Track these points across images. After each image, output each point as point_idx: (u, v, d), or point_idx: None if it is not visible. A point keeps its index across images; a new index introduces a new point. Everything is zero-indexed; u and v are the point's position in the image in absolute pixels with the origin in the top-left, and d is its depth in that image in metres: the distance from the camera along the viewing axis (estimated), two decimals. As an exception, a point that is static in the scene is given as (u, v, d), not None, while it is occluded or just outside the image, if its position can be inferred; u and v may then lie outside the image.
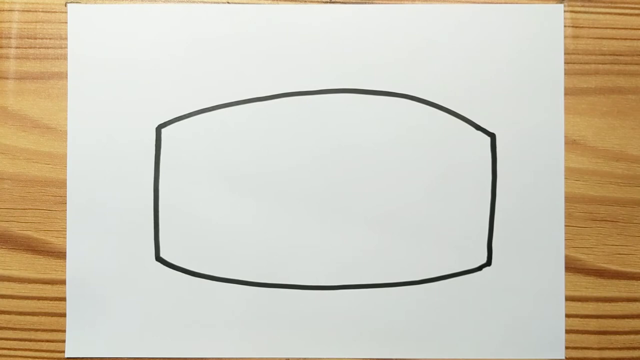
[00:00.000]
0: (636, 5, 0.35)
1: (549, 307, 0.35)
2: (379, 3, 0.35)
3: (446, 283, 0.35)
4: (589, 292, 0.35)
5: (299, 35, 0.35)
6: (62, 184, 0.35)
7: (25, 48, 0.35)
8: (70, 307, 0.35)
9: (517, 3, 0.35)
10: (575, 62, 0.35)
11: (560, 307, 0.35)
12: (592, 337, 0.35)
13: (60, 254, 0.35)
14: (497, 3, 0.35)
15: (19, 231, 0.35)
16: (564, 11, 0.35)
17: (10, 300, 0.36)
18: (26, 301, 0.36)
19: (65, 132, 0.35)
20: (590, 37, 0.35)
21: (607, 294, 0.35)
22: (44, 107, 0.35)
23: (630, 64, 0.35)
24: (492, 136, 0.35)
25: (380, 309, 0.35)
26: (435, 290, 0.35)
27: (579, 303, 0.35)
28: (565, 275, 0.35)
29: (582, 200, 0.35)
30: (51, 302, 0.35)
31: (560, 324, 0.35)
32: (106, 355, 0.35)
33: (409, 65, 0.35)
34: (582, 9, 0.35)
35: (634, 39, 0.35)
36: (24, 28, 0.35)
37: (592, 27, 0.35)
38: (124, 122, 0.35)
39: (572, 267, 0.35)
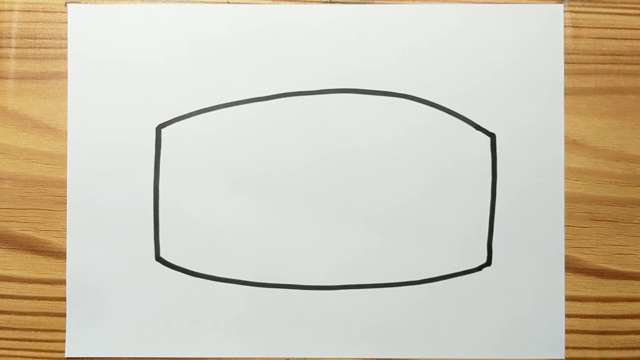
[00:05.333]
0: (636, 5, 0.35)
1: (549, 307, 0.35)
2: (379, 3, 0.35)
3: (446, 283, 0.35)
4: (589, 292, 0.35)
5: (299, 35, 0.35)
6: (62, 184, 0.35)
7: (25, 48, 0.35)
8: (70, 307, 0.35)
9: (517, 3, 0.35)
10: (575, 62, 0.35)
11: (560, 307, 0.35)
12: (592, 337, 0.35)
13: (60, 254, 0.35)
14: (497, 3, 0.35)
15: (19, 231, 0.35)
16: (564, 11, 0.35)
17: (10, 300, 0.36)
18: (26, 301, 0.36)
19: (65, 132, 0.35)
20: (590, 37, 0.35)
21: (607, 294, 0.35)
22: (44, 107, 0.35)
23: (630, 64, 0.35)
24: (492, 136, 0.35)
25: (381, 309, 0.35)
26: (435, 290, 0.35)
27: (579, 303, 0.35)
28: (565, 275, 0.35)
29: (582, 200, 0.35)
30: (51, 302, 0.35)
31: (560, 324, 0.35)
32: (106, 355, 0.35)
33: (409, 65, 0.35)
34: (582, 9, 0.35)
35: (634, 39, 0.35)
36: (24, 28, 0.35)
37: (592, 27, 0.35)
38: (124, 122, 0.35)
39: (572, 267, 0.35)
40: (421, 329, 0.35)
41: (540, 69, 0.35)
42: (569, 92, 0.35)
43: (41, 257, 0.35)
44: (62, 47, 0.35)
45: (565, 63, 0.35)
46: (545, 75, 0.35)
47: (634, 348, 0.35)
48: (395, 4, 0.35)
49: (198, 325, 0.35)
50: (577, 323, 0.35)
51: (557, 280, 0.35)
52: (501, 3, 0.35)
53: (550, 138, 0.35)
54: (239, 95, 0.35)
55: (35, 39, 0.35)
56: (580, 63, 0.35)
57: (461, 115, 0.35)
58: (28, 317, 0.36)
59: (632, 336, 0.35)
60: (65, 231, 0.35)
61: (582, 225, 0.35)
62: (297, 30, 0.35)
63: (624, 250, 0.35)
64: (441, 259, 0.35)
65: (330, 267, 0.35)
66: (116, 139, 0.35)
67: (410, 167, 0.35)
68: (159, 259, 0.35)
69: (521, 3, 0.35)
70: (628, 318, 0.35)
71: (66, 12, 0.35)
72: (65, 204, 0.35)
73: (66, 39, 0.35)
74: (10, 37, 0.35)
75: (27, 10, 0.35)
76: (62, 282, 0.35)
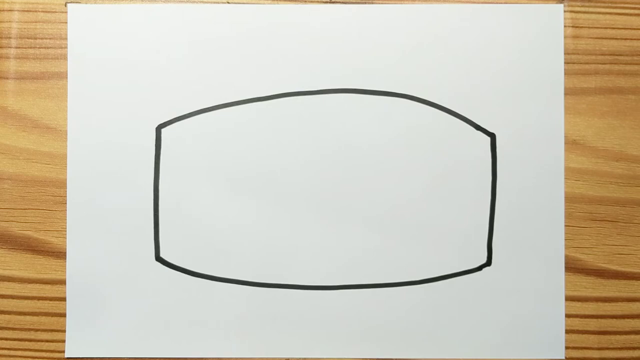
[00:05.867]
0: (636, 5, 0.35)
1: (549, 307, 0.35)
2: (379, 3, 0.35)
3: (446, 283, 0.35)
4: (589, 292, 0.35)
5: (299, 35, 0.35)
6: (62, 184, 0.35)
7: (25, 48, 0.35)
8: (70, 307, 0.35)
9: (517, 3, 0.35)
10: (575, 62, 0.35)
11: (560, 307, 0.35)
12: (592, 337, 0.35)
13: (60, 254, 0.35)
14: (497, 3, 0.35)
15: (19, 231, 0.35)
16: (564, 11, 0.35)
17: (10, 300, 0.36)
18: (26, 301, 0.36)
19: (65, 132, 0.35)
20: (590, 37, 0.35)
21: (607, 294, 0.35)
22: (44, 107, 0.35)
23: (630, 64, 0.35)
24: (492, 136, 0.35)
25: (381, 309, 0.35)
26: (435, 290, 0.35)
27: (579, 303, 0.35)
28: (565, 275, 0.35)
29: (582, 200, 0.35)
30: (51, 302, 0.35)
31: (560, 324, 0.35)
32: (106, 355, 0.35)
33: (409, 65, 0.35)
34: (582, 9, 0.35)
35: (634, 39, 0.35)
36: (24, 28, 0.35)
37: (592, 27, 0.35)
38: (124, 122, 0.35)
39: (572, 267, 0.35)
40: (421, 329, 0.35)
41: (540, 69, 0.35)
42: (569, 92, 0.35)
43: (41, 257, 0.35)
44: (62, 47, 0.35)
45: (565, 63, 0.35)
46: (545, 75, 0.35)
47: (634, 348, 0.35)
48: (395, 4, 0.35)
49: (198, 325, 0.35)
50: (577, 323, 0.35)
51: (557, 280, 0.35)
52: (501, 3, 0.35)
53: (550, 138, 0.35)
54: (239, 95, 0.35)
55: (35, 39, 0.35)
56: (580, 63, 0.35)
57: (461, 115, 0.35)
58: (28, 317, 0.36)
59: (632, 336, 0.35)
60: (65, 231, 0.35)
61: (582, 225, 0.35)
62: (297, 30, 0.35)
63: (624, 250, 0.35)
64: (441, 259, 0.35)
65: (330, 267, 0.35)
66: (116, 139, 0.35)
67: (410, 167, 0.35)
68: (159, 259, 0.35)
69: (521, 3, 0.35)
70: (628, 318, 0.35)
71: (66, 12, 0.35)
72: (65, 204, 0.35)
73: (66, 39, 0.35)
74: (10, 37, 0.35)
75: (27, 10, 0.35)
76: (62, 282, 0.35)
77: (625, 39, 0.35)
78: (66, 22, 0.35)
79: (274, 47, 0.35)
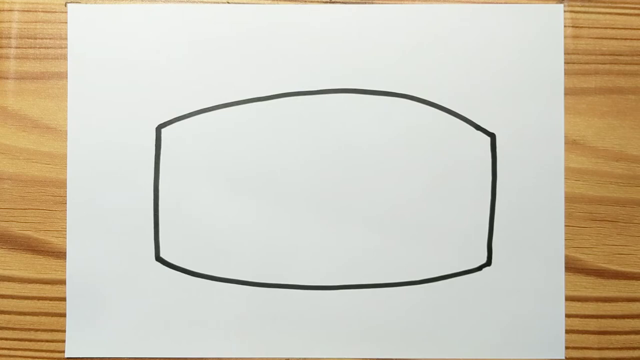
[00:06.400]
0: (636, 5, 0.35)
1: (549, 307, 0.35)
2: (379, 3, 0.35)
3: (446, 283, 0.35)
4: (589, 292, 0.35)
5: (299, 35, 0.35)
6: (62, 184, 0.35)
7: (25, 48, 0.35)
8: (70, 307, 0.35)
9: (517, 3, 0.35)
10: (575, 62, 0.35)
11: (560, 307, 0.35)
12: (592, 337, 0.35)
13: (60, 254, 0.35)
14: (497, 3, 0.35)
15: (19, 231, 0.35)
16: (564, 11, 0.35)
17: (10, 300, 0.36)
18: (26, 301, 0.36)
19: (65, 132, 0.35)
20: (590, 37, 0.35)
21: (607, 294, 0.35)
22: (44, 107, 0.35)
23: (630, 64, 0.35)
24: (492, 136, 0.35)
25: (381, 309, 0.35)
26: (435, 290, 0.35)
27: (579, 303, 0.35)
28: (565, 275, 0.35)
29: (582, 200, 0.35)
30: (51, 302, 0.35)
31: (560, 324, 0.35)
32: (106, 355, 0.35)
33: (409, 65, 0.35)
34: (582, 9, 0.35)
35: (634, 39, 0.35)
36: (24, 28, 0.35)
37: (592, 27, 0.35)
38: (124, 122, 0.35)
39: (572, 267, 0.35)
40: (421, 329, 0.35)
41: (540, 69, 0.35)
42: (569, 92, 0.35)
43: (41, 257, 0.35)
44: (62, 47, 0.35)
45: (565, 63, 0.35)
46: (545, 75, 0.35)
47: (634, 348, 0.35)
48: (395, 4, 0.35)
49: (198, 325, 0.35)
50: (577, 323, 0.35)
51: (557, 280, 0.35)
52: (501, 3, 0.35)
53: (550, 138, 0.35)
54: (239, 95, 0.35)
55: (35, 39, 0.35)
56: (580, 63, 0.35)
57: (461, 115, 0.35)
58: (28, 317, 0.36)
59: (632, 336, 0.35)
60: (65, 231, 0.35)
61: (582, 225, 0.35)
62: (297, 30, 0.35)
63: (624, 250, 0.35)
64: (441, 259, 0.35)
65: (330, 267, 0.35)
66: (116, 139, 0.35)
67: (410, 167, 0.35)
68: (159, 259, 0.35)
69: (521, 3, 0.35)
70: (628, 318, 0.35)
71: (66, 12, 0.35)
72: (65, 204, 0.35)
73: (66, 39, 0.35)
74: (10, 37, 0.35)
75: (27, 10, 0.35)
76: (62, 282, 0.35)
77: (625, 39, 0.35)
78: (66, 22, 0.35)
79: (274, 47, 0.35)
